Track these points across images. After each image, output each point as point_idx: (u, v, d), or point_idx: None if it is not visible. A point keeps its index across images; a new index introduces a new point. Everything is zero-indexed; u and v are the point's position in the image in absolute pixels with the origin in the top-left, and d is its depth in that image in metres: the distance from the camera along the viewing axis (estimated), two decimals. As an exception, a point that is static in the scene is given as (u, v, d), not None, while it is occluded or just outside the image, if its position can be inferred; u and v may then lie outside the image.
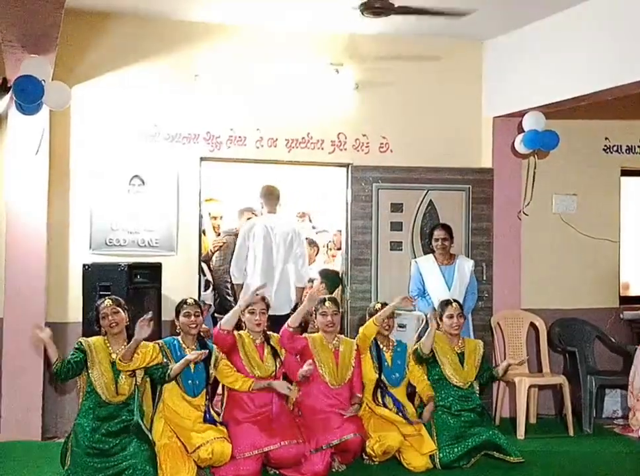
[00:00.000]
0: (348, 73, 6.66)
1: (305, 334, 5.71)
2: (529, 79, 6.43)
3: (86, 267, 5.86)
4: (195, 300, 5.38)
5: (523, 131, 6.51)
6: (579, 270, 7.19)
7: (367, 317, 5.81)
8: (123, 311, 5.11)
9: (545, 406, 6.94)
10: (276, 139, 6.60)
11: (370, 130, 6.79)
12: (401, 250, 6.74)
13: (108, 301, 5.09)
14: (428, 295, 6.41)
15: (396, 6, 5.45)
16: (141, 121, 6.31)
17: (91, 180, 6.22)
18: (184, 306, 5.25)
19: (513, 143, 6.65)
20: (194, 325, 5.22)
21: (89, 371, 4.98)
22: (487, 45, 6.97)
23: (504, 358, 6.66)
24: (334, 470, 5.34)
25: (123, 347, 5.05)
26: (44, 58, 5.30)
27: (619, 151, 7.40)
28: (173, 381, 5.11)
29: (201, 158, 6.47)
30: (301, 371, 5.27)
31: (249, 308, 5.34)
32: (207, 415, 5.14)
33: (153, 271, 6.01)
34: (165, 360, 5.09)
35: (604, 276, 7.29)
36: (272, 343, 5.42)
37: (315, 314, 5.62)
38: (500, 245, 6.90)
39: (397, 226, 6.75)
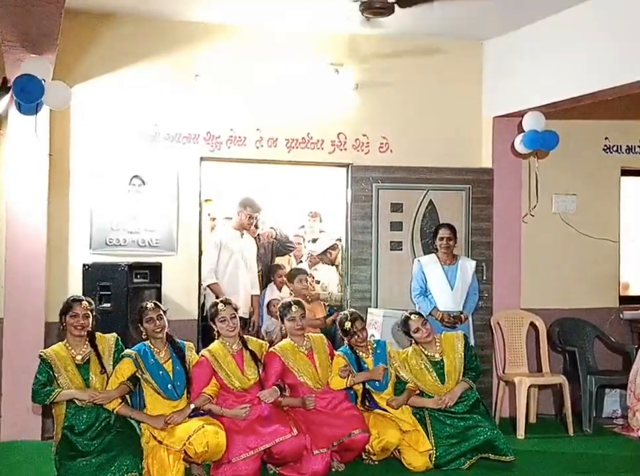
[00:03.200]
0: (348, 73, 6.66)
1: (271, 349, 5.46)
2: (529, 79, 6.43)
3: (86, 267, 5.87)
4: (155, 303, 5.26)
5: (523, 131, 6.51)
6: (579, 269, 7.19)
7: (338, 329, 5.73)
8: (92, 316, 5.05)
9: (544, 406, 6.94)
10: (276, 139, 6.60)
11: (370, 130, 6.79)
12: (401, 250, 6.75)
13: (85, 303, 5.04)
14: (430, 294, 6.41)
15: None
16: (141, 121, 6.32)
17: (91, 180, 6.22)
18: (146, 311, 5.15)
19: (513, 143, 6.66)
20: (158, 329, 5.14)
21: (57, 382, 4.91)
22: (487, 45, 6.97)
23: (504, 358, 6.69)
24: (333, 469, 5.33)
25: (85, 348, 5.00)
26: (44, 58, 5.29)
27: (619, 151, 7.40)
28: (152, 391, 5.05)
29: (201, 158, 6.47)
30: (263, 397, 5.18)
31: (219, 317, 5.24)
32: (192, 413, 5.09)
33: (153, 271, 6.01)
34: (137, 370, 5.04)
35: (604, 275, 7.29)
36: (250, 347, 5.32)
37: (282, 320, 5.51)
38: (500, 245, 6.90)
39: (397, 226, 6.76)
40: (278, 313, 5.62)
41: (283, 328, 5.52)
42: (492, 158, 6.94)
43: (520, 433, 6.23)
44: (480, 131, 7.02)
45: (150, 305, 5.20)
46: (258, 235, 7.39)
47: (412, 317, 5.67)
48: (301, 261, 7.88)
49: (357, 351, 5.63)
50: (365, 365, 5.59)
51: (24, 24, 4.66)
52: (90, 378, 4.96)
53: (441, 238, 6.42)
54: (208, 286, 6.53)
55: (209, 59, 6.43)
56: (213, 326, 5.34)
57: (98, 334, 5.14)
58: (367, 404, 5.53)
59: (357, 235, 6.70)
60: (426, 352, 5.66)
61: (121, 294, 5.59)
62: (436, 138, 6.90)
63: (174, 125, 6.38)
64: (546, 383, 6.68)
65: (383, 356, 5.66)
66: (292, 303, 5.54)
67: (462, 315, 6.23)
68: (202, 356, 5.26)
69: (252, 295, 6.82)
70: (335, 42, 6.66)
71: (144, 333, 5.13)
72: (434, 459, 5.38)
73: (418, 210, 6.79)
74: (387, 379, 5.60)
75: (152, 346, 5.16)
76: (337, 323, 5.76)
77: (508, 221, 6.94)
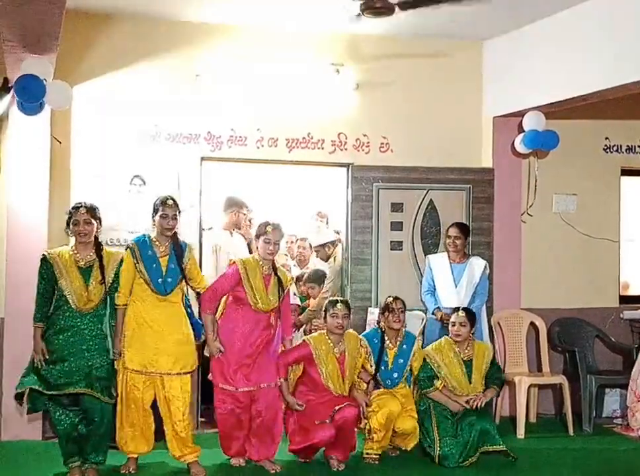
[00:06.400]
0: (349, 73, 6.67)
1: (304, 338, 5.63)
2: (529, 78, 6.44)
3: (87, 267, 5.87)
4: (174, 200, 5.19)
5: (524, 131, 6.52)
6: (579, 269, 7.20)
7: (378, 310, 5.83)
8: (96, 221, 5.08)
9: (545, 406, 6.95)
10: (277, 139, 6.60)
11: (370, 130, 6.80)
12: (401, 250, 6.75)
13: (83, 209, 5.05)
14: (437, 292, 6.42)
15: (402, 1, 5.45)
16: (141, 121, 6.32)
17: (92, 180, 6.21)
18: (163, 207, 5.13)
19: (513, 143, 6.66)
20: (169, 227, 5.15)
21: (58, 282, 4.95)
22: (487, 45, 6.98)
23: (504, 358, 6.70)
24: (334, 469, 5.35)
25: (90, 255, 5.04)
26: (45, 58, 5.29)
27: (619, 151, 7.41)
28: (142, 282, 5.07)
29: (202, 158, 6.48)
30: (291, 405, 5.37)
31: (265, 237, 5.29)
32: (193, 319, 5.21)
33: (154, 271, 6.00)
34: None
35: (604, 275, 7.30)
36: (279, 274, 5.40)
37: (326, 314, 5.53)
38: (500, 245, 6.90)
39: (397, 226, 6.76)
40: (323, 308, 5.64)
41: None
42: (492, 158, 6.95)
43: (520, 432, 6.24)
44: (480, 131, 7.03)
45: (170, 201, 5.16)
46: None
47: (460, 312, 5.75)
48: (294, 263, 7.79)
49: (385, 337, 5.66)
50: (387, 358, 5.62)
51: (25, 24, 4.66)
52: (90, 283, 4.98)
53: (449, 237, 6.42)
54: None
55: (210, 59, 6.44)
56: (256, 244, 5.43)
57: (106, 249, 5.18)
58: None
59: (357, 234, 6.71)
60: (456, 349, 5.73)
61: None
62: (436, 138, 6.90)
63: (175, 125, 6.39)
64: (546, 382, 6.69)
65: (408, 352, 5.69)
66: (339, 300, 5.58)
67: None
68: (234, 262, 5.37)
69: None
70: (335, 42, 6.67)
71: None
72: (438, 453, 5.42)
73: (418, 210, 6.80)
74: (402, 375, 5.65)
75: (154, 240, 5.18)
76: (380, 302, 5.81)
77: (509, 221, 6.95)
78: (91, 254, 5.06)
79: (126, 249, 5.19)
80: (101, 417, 5.00)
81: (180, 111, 6.38)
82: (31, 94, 5.29)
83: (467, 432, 5.46)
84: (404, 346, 5.71)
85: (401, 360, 5.67)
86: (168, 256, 5.17)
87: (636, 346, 6.66)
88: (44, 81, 5.27)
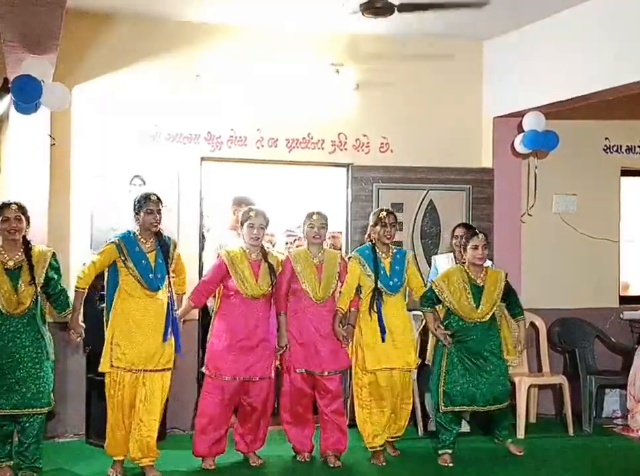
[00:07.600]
0: (349, 73, 6.67)
1: (286, 254, 5.69)
2: (529, 78, 6.44)
3: (87, 267, 5.86)
4: (158, 197, 5.19)
5: (523, 131, 6.52)
6: (579, 269, 7.20)
7: (370, 221, 5.71)
8: (26, 220, 5.00)
9: (544, 406, 6.94)
10: (277, 139, 6.61)
11: (370, 130, 6.80)
12: (401, 250, 6.76)
13: (14, 205, 4.97)
14: None
15: (401, 3, 5.46)
16: (141, 121, 6.32)
17: (92, 180, 6.22)
18: (147, 202, 5.12)
19: (513, 143, 6.67)
20: (155, 224, 5.13)
21: None
22: (487, 45, 6.98)
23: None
24: (330, 465, 5.38)
25: (19, 255, 4.94)
26: (45, 58, 5.30)
27: (619, 151, 7.41)
28: (132, 279, 5.03)
29: (202, 158, 6.48)
30: (282, 342, 5.42)
31: (248, 223, 5.34)
32: (171, 312, 5.14)
33: (153, 271, 6.00)
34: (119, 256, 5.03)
35: (604, 275, 7.30)
36: (269, 260, 5.42)
37: (304, 227, 5.54)
38: (500, 245, 6.89)
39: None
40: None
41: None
42: (492, 159, 6.95)
43: (520, 433, 6.23)
44: (480, 131, 7.03)
45: (154, 197, 5.16)
46: None
47: (480, 235, 5.63)
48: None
49: (377, 250, 5.61)
50: (382, 265, 5.57)
51: (25, 24, 4.68)
52: (19, 285, 4.87)
53: (456, 237, 6.38)
54: None
55: (210, 59, 6.44)
56: (240, 231, 5.47)
57: (35, 245, 5.07)
58: (374, 308, 5.50)
59: (357, 234, 6.71)
60: (470, 275, 5.64)
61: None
62: (436, 138, 6.91)
63: (175, 125, 6.39)
64: (546, 382, 6.69)
65: (402, 261, 5.65)
66: (315, 212, 5.55)
67: None
68: (219, 255, 5.42)
69: None
70: (335, 42, 6.67)
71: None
72: (442, 401, 5.47)
73: (418, 210, 6.81)
74: (402, 280, 5.58)
75: (139, 236, 5.15)
76: (372, 213, 5.75)
77: (509, 221, 6.95)
78: (19, 253, 4.94)
79: (109, 244, 5.13)
80: (37, 431, 4.94)
81: (180, 111, 6.39)
82: (28, 95, 5.31)
83: (478, 401, 5.47)
84: (398, 256, 5.67)
85: (397, 267, 5.61)
86: (155, 252, 5.15)
87: (636, 346, 6.65)
88: (42, 82, 5.28)
